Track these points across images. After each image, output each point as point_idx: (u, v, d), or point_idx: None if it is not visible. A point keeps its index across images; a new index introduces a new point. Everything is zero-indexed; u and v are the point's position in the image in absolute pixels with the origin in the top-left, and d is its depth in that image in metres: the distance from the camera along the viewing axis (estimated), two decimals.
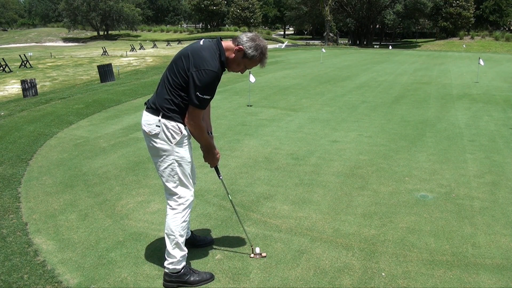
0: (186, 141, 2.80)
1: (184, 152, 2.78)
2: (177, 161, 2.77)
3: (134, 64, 24.19)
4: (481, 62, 14.53)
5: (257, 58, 2.74)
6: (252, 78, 9.05)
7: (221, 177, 3.08)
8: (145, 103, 2.84)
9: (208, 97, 2.64)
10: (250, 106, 9.51)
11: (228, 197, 3.10)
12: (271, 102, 10.12)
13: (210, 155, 2.94)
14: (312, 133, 7.06)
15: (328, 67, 19.45)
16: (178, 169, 2.78)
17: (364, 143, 6.47)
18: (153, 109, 2.74)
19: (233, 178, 4.91)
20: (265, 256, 3.18)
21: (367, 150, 6.09)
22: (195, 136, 2.81)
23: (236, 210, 3.21)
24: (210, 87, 2.62)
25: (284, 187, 4.62)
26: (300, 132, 7.15)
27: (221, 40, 2.78)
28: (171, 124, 2.70)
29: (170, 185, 2.82)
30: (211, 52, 2.65)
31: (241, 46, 2.70)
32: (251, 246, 3.24)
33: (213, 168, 3.06)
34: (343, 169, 5.23)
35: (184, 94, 2.66)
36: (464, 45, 42.35)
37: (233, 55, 2.72)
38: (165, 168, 2.79)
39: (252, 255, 3.17)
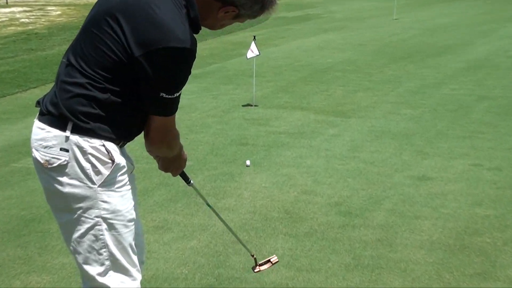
0: (122, 176, 1.68)
1: (118, 201, 1.66)
2: (105, 219, 1.67)
3: (23, 21, 15.23)
4: None
5: (257, 13, 1.83)
6: (250, 53, 5.73)
7: (191, 181, 2.28)
8: (37, 104, 1.80)
9: (181, 90, 1.72)
10: (255, 106, 6.42)
11: (209, 206, 2.43)
12: (295, 97, 6.94)
13: (177, 161, 1.99)
14: (378, 161, 4.67)
15: (409, 29, 12.89)
16: (108, 236, 1.67)
17: (486, 181, 4.11)
18: (54, 116, 1.66)
19: (220, 252, 3.05)
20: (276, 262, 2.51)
21: (491, 197, 3.82)
22: (169, 155, 1.91)
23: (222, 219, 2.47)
24: (182, 76, 1.63)
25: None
26: (353, 158, 4.73)
27: None
28: (91, 143, 1.61)
29: (93, 269, 1.70)
30: (171, 7, 1.58)
31: (231, 7, 1.69)
32: (253, 256, 2.50)
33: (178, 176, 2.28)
34: (441, 237, 3.30)
35: (118, 88, 1.59)
36: None
37: (217, 14, 1.75)
38: (82, 234, 1.69)
39: (256, 269, 2.52)
